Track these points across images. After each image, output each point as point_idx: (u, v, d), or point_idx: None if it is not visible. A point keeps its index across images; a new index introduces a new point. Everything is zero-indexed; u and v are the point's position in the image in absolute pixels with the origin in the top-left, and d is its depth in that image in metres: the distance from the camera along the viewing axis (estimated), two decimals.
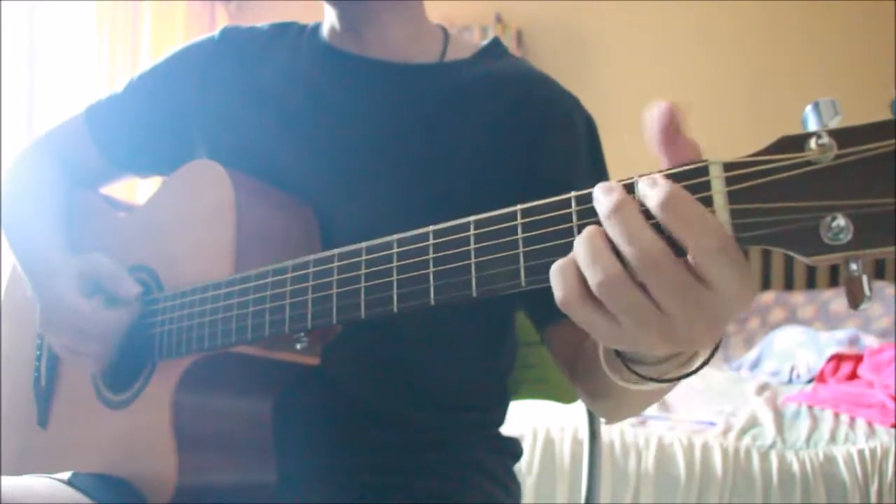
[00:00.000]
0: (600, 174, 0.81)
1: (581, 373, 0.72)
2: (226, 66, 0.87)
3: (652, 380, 0.50)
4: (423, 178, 0.77)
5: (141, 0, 3.30)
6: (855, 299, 0.37)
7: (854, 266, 0.37)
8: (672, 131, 0.42)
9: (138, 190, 2.98)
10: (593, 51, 3.61)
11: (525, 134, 0.78)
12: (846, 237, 0.36)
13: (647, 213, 0.40)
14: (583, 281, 0.42)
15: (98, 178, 0.96)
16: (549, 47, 3.62)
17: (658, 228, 0.40)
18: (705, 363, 0.49)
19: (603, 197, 0.41)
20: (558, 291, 0.42)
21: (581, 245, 0.41)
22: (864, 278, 0.37)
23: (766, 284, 3.40)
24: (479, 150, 0.77)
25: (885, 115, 0.37)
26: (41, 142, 0.97)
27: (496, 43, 0.87)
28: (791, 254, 0.38)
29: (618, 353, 0.51)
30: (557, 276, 0.43)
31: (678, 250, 0.40)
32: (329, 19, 0.86)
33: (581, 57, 3.59)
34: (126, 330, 0.75)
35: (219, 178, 0.72)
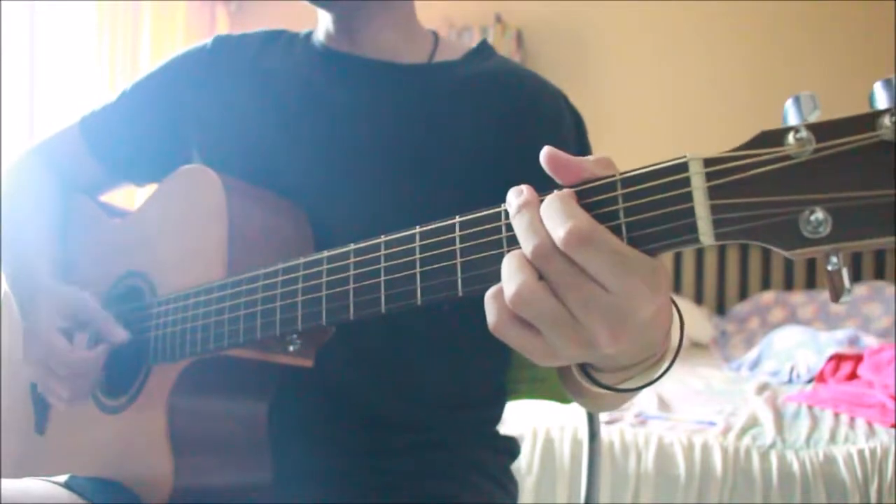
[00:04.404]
0: None
1: (560, 373, 0.74)
2: (218, 72, 0.88)
3: (608, 388, 0.49)
4: (417, 176, 0.78)
5: (141, 0, 3.31)
6: (836, 292, 0.38)
7: (834, 259, 0.37)
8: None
9: (136, 197, 2.98)
10: (593, 51, 3.61)
11: (514, 131, 0.79)
12: (825, 230, 0.36)
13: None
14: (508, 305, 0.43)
15: (95, 187, 0.97)
16: (549, 47, 3.62)
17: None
18: (664, 373, 0.49)
19: (513, 199, 0.44)
20: (490, 317, 0.43)
21: (503, 266, 0.43)
22: (845, 271, 0.37)
23: (766, 284, 3.39)
24: (470, 147, 0.79)
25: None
26: (36, 151, 0.97)
27: (484, 45, 0.89)
28: (771, 247, 0.38)
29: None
30: (489, 303, 0.44)
31: None
32: (323, 23, 0.88)
33: (581, 57, 3.59)
34: (93, 375, 0.76)
35: (211, 183, 0.73)
